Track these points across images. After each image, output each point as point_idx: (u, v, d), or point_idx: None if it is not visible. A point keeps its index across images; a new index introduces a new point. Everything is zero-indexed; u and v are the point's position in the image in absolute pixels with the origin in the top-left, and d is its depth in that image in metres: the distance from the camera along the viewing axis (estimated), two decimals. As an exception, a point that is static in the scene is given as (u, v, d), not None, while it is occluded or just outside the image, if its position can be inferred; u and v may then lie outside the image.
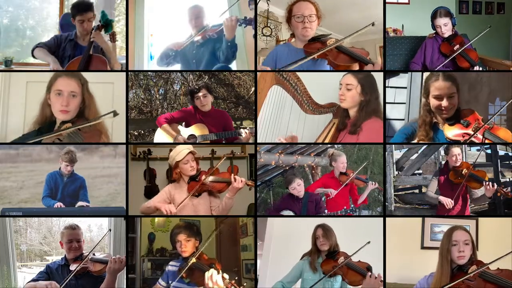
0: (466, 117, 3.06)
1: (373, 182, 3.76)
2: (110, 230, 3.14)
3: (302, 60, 3.01)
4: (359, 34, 3.05)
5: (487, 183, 3.20)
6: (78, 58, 3.52)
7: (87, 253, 2.98)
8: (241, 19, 3.64)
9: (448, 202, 3.30)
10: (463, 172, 3.31)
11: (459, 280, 2.50)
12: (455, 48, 3.80)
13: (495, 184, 3.19)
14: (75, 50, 3.63)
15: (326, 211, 3.54)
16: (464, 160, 3.50)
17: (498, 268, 2.55)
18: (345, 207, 3.63)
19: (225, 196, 3.06)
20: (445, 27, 3.85)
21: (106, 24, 3.60)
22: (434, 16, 3.89)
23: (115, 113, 3.03)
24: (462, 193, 3.37)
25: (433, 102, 3.05)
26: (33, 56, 3.64)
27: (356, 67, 2.97)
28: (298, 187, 3.55)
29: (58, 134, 2.96)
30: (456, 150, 3.37)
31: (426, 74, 4.11)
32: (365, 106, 3.11)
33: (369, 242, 2.88)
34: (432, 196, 3.45)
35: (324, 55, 3.03)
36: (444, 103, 3.00)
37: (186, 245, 2.89)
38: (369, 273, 2.81)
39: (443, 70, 3.78)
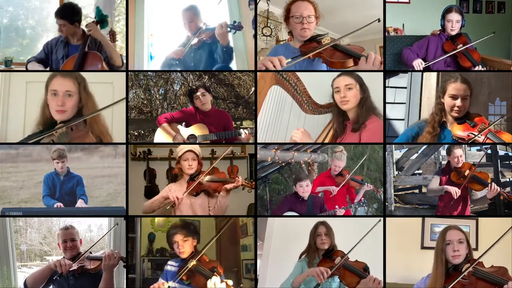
0: (474, 119, 3.13)
1: (369, 184, 3.75)
2: (117, 224, 3.12)
3: (297, 59, 2.99)
4: (359, 32, 3.05)
5: (490, 185, 3.22)
6: (73, 56, 3.47)
7: (84, 252, 3.01)
8: (230, 25, 3.62)
9: (455, 190, 3.30)
10: (465, 173, 3.32)
11: (454, 283, 2.49)
12: (458, 47, 3.81)
13: (498, 187, 3.22)
14: (68, 50, 3.58)
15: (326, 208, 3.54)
16: (464, 161, 3.50)
17: (492, 265, 2.55)
18: (343, 206, 3.63)
19: (220, 195, 3.07)
20: (457, 24, 3.88)
21: (101, 20, 3.55)
22: (447, 11, 3.90)
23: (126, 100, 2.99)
24: (463, 194, 3.37)
25: (447, 101, 3.12)
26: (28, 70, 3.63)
27: (350, 63, 2.93)
28: (306, 188, 3.53)
29: (51, 135, 2.92)
30: (458, 151, 3.37)
31: (426, 74, 4.14)
32: (364, 104, 3.11)
33: (375, 225, 2.88)
34: (437, 188, 3.42)
35: (319, 53, 2.98)
36: (458, 103, 3.08)
37: (184, 246, 2.85)
38: (370, 276, 2.79)
39: (444, 70, 3.78)
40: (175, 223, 2.97)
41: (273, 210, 3.67)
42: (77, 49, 3.50)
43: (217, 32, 3.58)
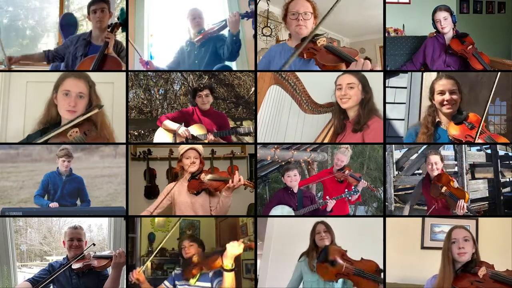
0: (471, 121, 3.11)
1: (364, 181, 3.73)
2: (94, 244, 3.19)
3: (291, 58, 2.97)
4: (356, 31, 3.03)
5: (459, 201, 3.05)
6: (91, 56, 3.44)
7: (88, 252, 3.05)
8: (243, 14, 3.68)
9: None
10: (442, 190, 3.14)
11: (471, 285, 2.49)
12: (467, 48, 3.81)
13: (465, 204, 3.05)
14: (88, 49, 3.57)
15: (321, 200, 3.52)
16: (442, 168, 3.28)
17: (507, 269, 2.54)
18: (334, 197, 3.61)
19: (222, 194, 3.08)
20: (445, 21, 3.89)
21: (125, 23, 3.56)
22: (434, 12, 3.93)
23: (99, 106, 2.98)
24: (445, 205, 3.24)
25: (437, 98, 3.15)
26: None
27: (343, 67, 2.92)
28: (293, 177, 3.46)
29: (65, 137, 2.94)
30: (433, 158, 3.23)
31: (426, 74, 4.14)
32: (366, 104, 3.12)
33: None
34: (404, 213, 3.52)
35: (313, 54, 2.99)
36: (447, 96, 3.11)
37: (190, 249, 3.03)
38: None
39: (445, 70, 3.78)
40: (186, 235, 3.22)
41: (266, 208, 3.64)
42: (97, 50, 3.47)
43: (229, 20, 3.63)
